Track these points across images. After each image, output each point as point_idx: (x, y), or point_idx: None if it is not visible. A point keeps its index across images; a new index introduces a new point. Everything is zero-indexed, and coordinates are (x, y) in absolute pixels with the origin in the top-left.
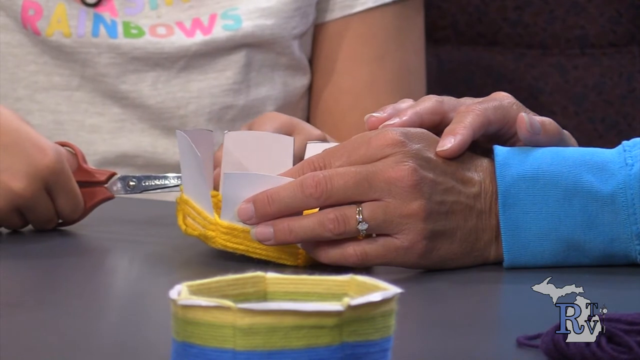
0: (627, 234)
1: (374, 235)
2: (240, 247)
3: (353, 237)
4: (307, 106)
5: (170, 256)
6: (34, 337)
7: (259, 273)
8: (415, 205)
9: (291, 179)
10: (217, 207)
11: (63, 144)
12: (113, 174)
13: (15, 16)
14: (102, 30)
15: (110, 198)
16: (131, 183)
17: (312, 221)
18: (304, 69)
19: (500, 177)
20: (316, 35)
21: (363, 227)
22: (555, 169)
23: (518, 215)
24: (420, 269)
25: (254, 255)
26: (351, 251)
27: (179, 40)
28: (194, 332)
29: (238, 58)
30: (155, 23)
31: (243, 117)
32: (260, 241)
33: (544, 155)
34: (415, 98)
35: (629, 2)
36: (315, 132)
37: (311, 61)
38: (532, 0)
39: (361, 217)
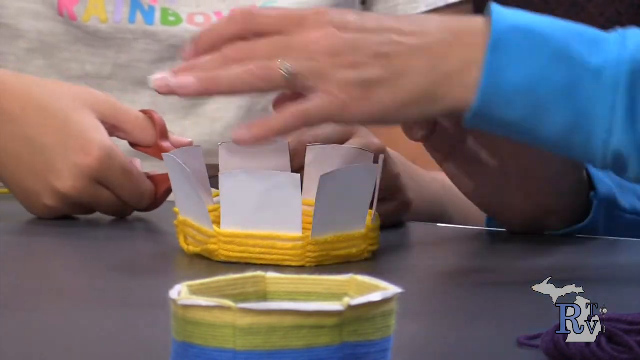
0: (600, 114)
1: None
2: (244, 255)
3: (291, 100)
4: None
5: (170, 256)
6: (32, 338)
7: (259, 273)
8: (326, 46)
9: (289, 175)
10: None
11: (145, 112)
12: None
13: (51, 2)
14: (139, 16)
15: None
16: None
17: (236, 70)
18: None
19: (496, 23)
20: None
21: (285, 66)
22: (549, 30)
23: (503, 61)
24: (367, 122)
25: (258, 262)
26: (292, 112)
27: None
28: (194, 332)
29: None
30: (194, 11)
31: None
32: (179, 94)
33: (542, 18)
34: None
35: (629, 2)
36: (376, 140)
37: None
38: (532, 0)
39: (285, 66)
